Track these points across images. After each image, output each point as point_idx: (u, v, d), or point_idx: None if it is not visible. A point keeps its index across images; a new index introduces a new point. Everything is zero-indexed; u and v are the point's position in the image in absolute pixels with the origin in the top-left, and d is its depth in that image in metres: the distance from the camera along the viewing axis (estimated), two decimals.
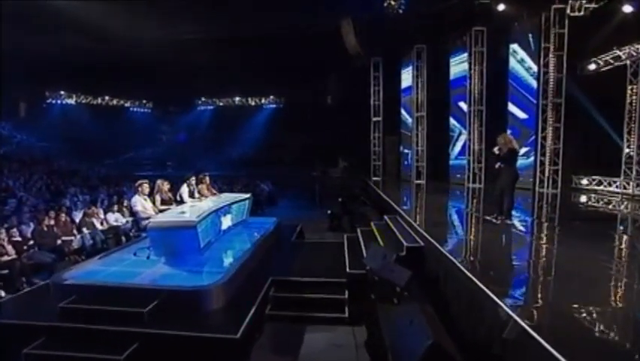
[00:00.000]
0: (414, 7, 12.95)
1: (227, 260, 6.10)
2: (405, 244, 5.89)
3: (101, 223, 8.87)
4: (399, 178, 15.90)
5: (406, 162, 15.52)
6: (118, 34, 17.47)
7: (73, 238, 7.90)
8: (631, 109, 9.97)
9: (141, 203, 6.12)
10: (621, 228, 7.24)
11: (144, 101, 24.87)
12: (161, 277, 5.20)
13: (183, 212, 6.18)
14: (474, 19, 12.24)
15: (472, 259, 4.99)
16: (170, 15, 16.93)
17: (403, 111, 15.71)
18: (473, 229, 6.54)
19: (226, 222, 7.27)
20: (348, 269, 6.00)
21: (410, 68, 14.73)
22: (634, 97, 9.92)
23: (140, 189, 6.20)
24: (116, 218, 9.22)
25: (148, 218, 6.03)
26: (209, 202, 7.47)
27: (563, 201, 10.06)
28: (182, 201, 7.33)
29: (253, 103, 26.31)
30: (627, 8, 9.45)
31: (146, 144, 23.99)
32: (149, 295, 4.63)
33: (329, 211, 11.03)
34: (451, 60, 13.56)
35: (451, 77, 13.62)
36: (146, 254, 5.98)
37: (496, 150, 6.74)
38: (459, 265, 4.26)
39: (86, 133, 21.59)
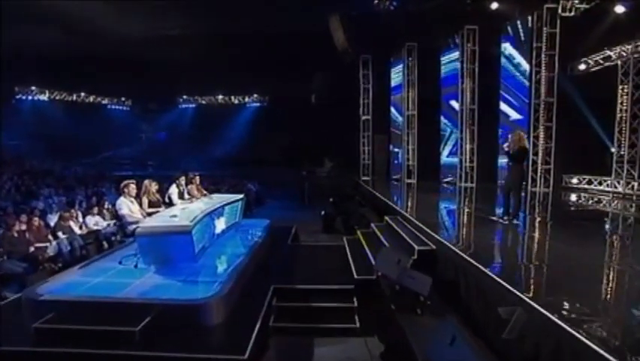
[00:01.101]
0: (405, 4, 12.66)
1: (225, 268, 5.52)
2: (416, 247, 5.48)
3: (80, 227, 8.06)
4: (388, 177, 15.58)
5: (396, 161, 15.21)
6: (95, 28, 16.44)
7: (47, 244, 7.08)
8: (622, 109, 9.95)
9: (127, 206, 5.46)
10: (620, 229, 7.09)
11: (123, 99, 23.63)
12: (153, 289, 4.59)
13: (175, 215, 5.56)
14: (466, 17, 12.03)
15: (500, 264, 4.55)
16: (151, 9, 16.06)
17: (392, 110, 15.38)
18: (484, 230, 6.19)
19: (220, 225, 6.67)
20: (355, 275, 5.55)
21: (400, 66, 14.43)
22: (625, 97, 9.90)
23: (125, 190, 5.54)
24: (96, 221, 8.43)
25: (136, 222, 5.39)
26: (201, 204, 6.84)
27: (557, 200, 9.96)
28: (171, 203, 6.71)
29: (236, 101, 25.51)
30: (619, 8, 9.40)
31: (125, 142, 22.81)
32: (140, 311, 4.03)
33: (322, 212, 10.54)
34: (443, 58, 13.33)
35: (442, 75, 13.39)
36: (134, 262, 5.34)
37: (505, 146, 6.44)
38: (493, 275, 3.80)
39: (61, 131, 20.25)
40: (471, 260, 4.28)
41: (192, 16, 17.60)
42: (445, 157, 13.75)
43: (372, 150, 16.06)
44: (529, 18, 10.87)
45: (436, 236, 5.56)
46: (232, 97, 25.30)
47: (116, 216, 5.47)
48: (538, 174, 10.89)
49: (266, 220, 8.61)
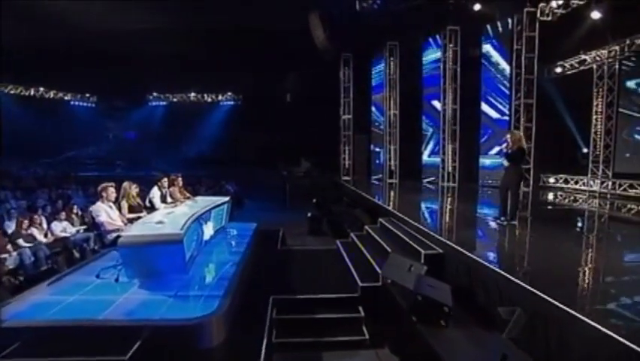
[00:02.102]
0: (388, 3, 12.44)
1: (217, 279, 4.93)
2: (423, 251, 5.16)
3: (45, 235, 7.15)
4: (369, 178, 15.35)
5: (377, 161, 15.01)
6: (55, 18, 15.06)
7: (6, 255, 6.20)
8: (597, 111, 10.20)
9: (106, 212, 4.76)
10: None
11: (87, 95, 21.95)
12: (141, 308, 3.96)
13: (161, 222, 4.92)
14: (448, 18, 11.99)
15: (524, 269, 4.25)
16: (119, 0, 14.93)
17: (373, 109, 15.15)
18: (488, 233, 5.99)
19: (208, 231, 6.07)
20: (360, 282, 5.15)
21: (381, 65, 14.22)
22: (599, 99, 10.16)
23: (104, 194, 4.83)
24: (63, 228, 7.52)
25: (116, 230, 4.71)
26: (186, 208, 6.22)
27: (537, 199, 10.06)
28: (152, 208, 6.02)
29: (210, 100, 24.50)
30: (595, 14, 9.60)
31: (90, 141, 21.23)
32: (128, 335, 3.43)
33: (309, 214, 10.08)
34: (424, 58, 13.23)
35: (424, 75, 13.30)
36: (114, 275, 4.67)
37: (504, 147, 6.28)
38: (527, 286, 3.47)
39: (16, 128, 18.46)
40: (497, 269, 3.95)
41: (163, 10, 16.56)
42: (426, 157, 13.68)
43: (352, 149, 15.76)
44: (510, 21, 10.95)
45: (443, 240, 5.26)
46: (205, 95, 24.27)
47: (93, 223, 4.76)
48: None
49: (253, 224, 8.04)
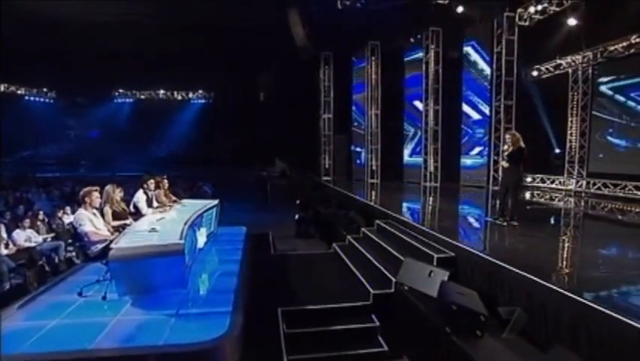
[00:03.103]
0: (371, 3, 12.23)
1: (218, 291, 4.41)
2: (435, 255, 4.92)
3: (6, 245, 6.24)
4: (350, 178, 15.11)
5: (358, 161, 14.79)
6: (10, 7, 13.57)
7: None
8: (572, 113, 10.54)
9: (89, 220, 4.10)
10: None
11: (45, 90, 20.11)
12: (139, 331, 3.39)
13: (154, 230, 4.33)
14: (430, 19, 11.97)
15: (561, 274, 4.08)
16: None
17: (355, 108, 14.92)
18: (494, 233, 5.85)
19: (201, 238, 5.50)
20: (372, 290, 4.82)
21: (363, 64, 14.01)
22: (574, 102, 10.49)
23: (87, 200, 4.16)
24: (27, 236, 6.62)
25: (103, 241, 4.08)
26: (175, 213, 5.61)
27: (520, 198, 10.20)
28: (138, 213, 5.37)
29: (180, 97, 23.37)
30: (571, 21, 9.89)
31: (49, 140, 19.48)
32: None
33: (296, 216, 9.65)
34: (406, 59, 13.16)
35: (406, 75, 13.22)
36: (100, 293, 4.04)
37: (505, 148, 6.19)
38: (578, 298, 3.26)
39: None
40: (534, 277, 3.70)
41: (129, 2, 15.43)
42: (407, 157, 13.63)
43: (333, 150, 15.45)
44: (490, 24, 11.08)
45: (455, 243, 5.04)
46: (175, 93, 23.11)
47: (75, 234, 4.08)
48: (500, 173, 11.12)
49: (242, 228, 7.53)
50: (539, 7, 10.28)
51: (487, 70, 11.28)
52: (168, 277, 3.84)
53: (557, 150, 12.08)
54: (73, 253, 6.63)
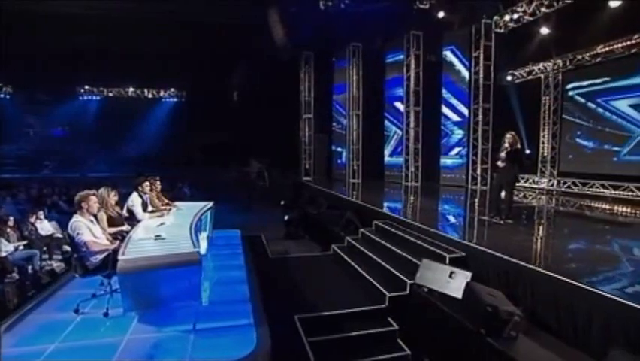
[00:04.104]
0: (355, 4, 12.10)
1: (233, 302, 4.05)
2: (447, 255, 4.82)
3: None
4: (330, 177, 14.93)
5: (339, 161, 14.63)
6: None
7: None
8: (544, 116, 10.99)
9: (88, 228, 3.59)
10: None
11: None
12: (159, 351, 2.99)
13: (159, 236, 3.89)
14: (411, 23, 12.05)
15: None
16: None
17: (335, 109, 14.75)
18: (497, 232, 5.85)
19: (203, 243, 5.06)
20: (387, 293, 4.63)
21: (344, 65, 13.87)
22: (546, 106, 10.95)
23: (84, 205, 3.64)
24: None
25: (103, 251, 3.58)
26: (172, 218, 5.14)
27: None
28: (132, 218, 4.84)
29: (150, 95, 22.11)
30: (544, 30, 10.29)
31: (5, 138, 17.63)
32: None
33: (286, 217, 9.32)
34: (387, 60, 13.17)
35: (387, 77, 13.24)
36: (99, 308, 3.56)
37: (504, 149, 6.25)
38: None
39: None
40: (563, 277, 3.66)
41: None
42: (387, 157, 13.66)
43: (313, 149, 15.20)
44: (469, 30, 11.31)
45: (466, 243, 4.97)
46: (145, 90, 21.81)
47: (72, 243, 3.53)
48: (478, 172, 11.42)
49: (237, 231, 7.12)
50: (515, 16, 10.61)
51: (466, 73, 11.51)
52: (184, 288, 3.42)
53: (527, 151, 12.57)
54: (53, 263, 5.94)
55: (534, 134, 11.28)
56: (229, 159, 19.82)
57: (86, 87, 19.94)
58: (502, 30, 11.14)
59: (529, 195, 10.79)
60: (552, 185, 10.90)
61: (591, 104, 9.98)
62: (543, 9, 9.68)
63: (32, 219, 6.86)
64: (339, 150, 14.68)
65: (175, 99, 22.48)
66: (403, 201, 10.19)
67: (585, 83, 10.11)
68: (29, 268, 5.95)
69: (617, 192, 9.42)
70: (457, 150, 11.92)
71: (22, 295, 4.53)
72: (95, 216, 3.98)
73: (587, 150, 10.12)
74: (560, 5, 9.25)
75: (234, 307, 3.85)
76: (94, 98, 20.21)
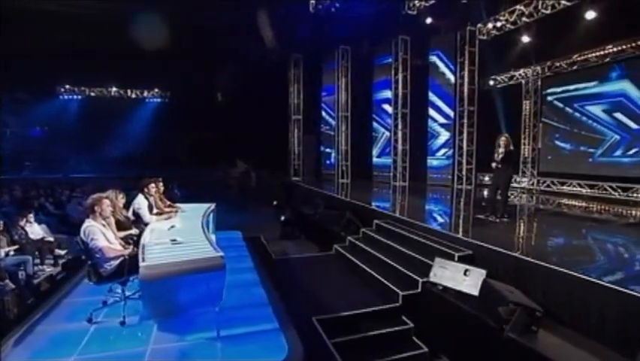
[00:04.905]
0: (346, 8, 12.04)
1: (250, 306, 3.87)
2: (456, 254, 4.82)
3: None
4: (319, 178, 14.82)
5: (328, 162, 14.55)
6: None
7: None
8: (525, 119, 11.31)
9: (102, 233, 3.32)
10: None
11: None
12: (184, 359, 2.79)
13: (175, 240, 3.65)
14: (399, 27, 12.13)
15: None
16: None
17: (324, 110, 14.65)
18: (499, 230, 5.91)
19: None
20: (400, 291, 4.57)
21: (333, 67, 13.80)
22: (527, 110, 11.28)
23: (97, 209, 3.37)
24: None
25: (118, 257, 3.33)
26: (179, 220, 4.89)
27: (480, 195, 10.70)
28: (139, 221, 4.56)
29: (134, 96, 21.29)
30: (525, 38, 10.59)
31: None
32: None
33: (282, 218, 9.14)
34: (376, 64, 13.20)
35: (375, 79, 13.27)
36: (113, 317, 3.32)
37: (500, 152, 6.35)
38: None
39: None
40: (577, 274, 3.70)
41: None
42: (375, 157, 13.69)
43: (302, 150, 15.04)
44: (454, 36, 11.50)
45: (474, 241, 4.97)
46: (128, 90, 20.98)
47: (86, 250, 3.23)
48: (464, 172, 11.63)
49: (237, 232, 6.90)
50: (498, 24, 10.86)
51: (452, 77, 11.69)
52: (207, 294, 3.22)
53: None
54: (47, 268, 5.53)
55: (516, 136, 11.55)
56: (215, 160, 19.36)
57: (67, 86, 18.97)
58: (485, 37, 11.39)
59: (511, 193, 11.07)
60: (532, 184, 11.23)
61: (568, 109, 10.34)
62: (524, 18, 9.98)
63: (22, 223, 6.37)
64: (327, 150, 14.60)
65: (159, 99, 21.76)
66: (397, 200, 10.22)
67: (562, 88, 10.46)
68: (21, 274, 5.51)
69: (592, 190, 9.83)
70: (443, 150, 12.10)
71: (22, 304, 4.15)
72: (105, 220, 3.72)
73: (565, 152, 10.48)
74: (539, 16, 9.57)
75: (254, 311, 3.68)
76: (75, 97, 19.23)
